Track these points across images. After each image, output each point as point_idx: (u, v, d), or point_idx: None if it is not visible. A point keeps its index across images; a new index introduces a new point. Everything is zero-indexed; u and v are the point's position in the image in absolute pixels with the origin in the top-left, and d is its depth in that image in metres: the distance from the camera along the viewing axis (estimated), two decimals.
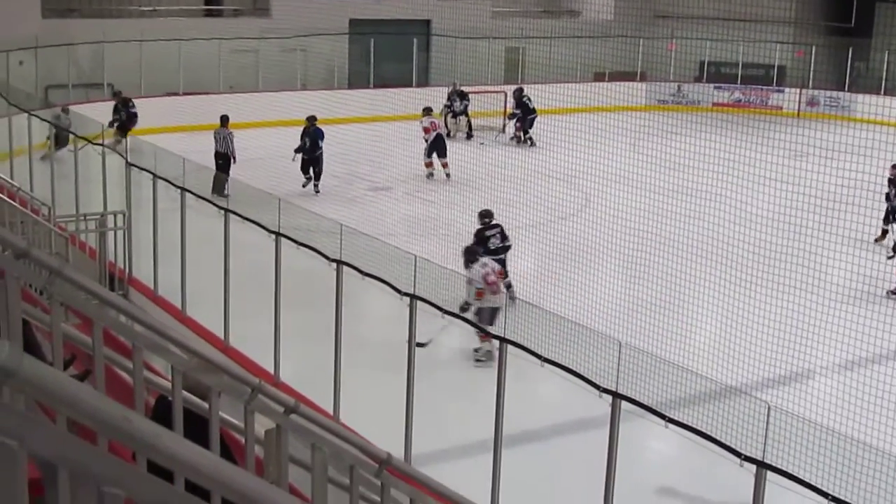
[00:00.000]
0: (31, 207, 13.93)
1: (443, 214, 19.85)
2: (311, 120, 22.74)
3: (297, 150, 22.38)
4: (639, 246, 16.79)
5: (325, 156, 22.61)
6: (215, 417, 4.38)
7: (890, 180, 18.89)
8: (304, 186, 22.09)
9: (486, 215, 15.51)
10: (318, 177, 22.46)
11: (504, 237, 15.25)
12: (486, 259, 13.55)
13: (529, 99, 28.87)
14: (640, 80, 36.03)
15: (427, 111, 25.06)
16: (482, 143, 26.70)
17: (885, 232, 18.69)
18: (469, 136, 29.51)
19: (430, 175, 24.38)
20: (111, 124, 23.77)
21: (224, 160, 21.56)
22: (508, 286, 14.39)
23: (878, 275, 15.97)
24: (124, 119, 25.02)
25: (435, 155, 24.37)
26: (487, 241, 15.01)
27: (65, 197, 16.65)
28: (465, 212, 18.31)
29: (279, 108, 27.20)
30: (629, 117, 25.51)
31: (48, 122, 19.59)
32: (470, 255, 13.59)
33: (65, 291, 4.19)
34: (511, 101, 29.59)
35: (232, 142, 21.97)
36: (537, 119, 28.67)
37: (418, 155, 24.59)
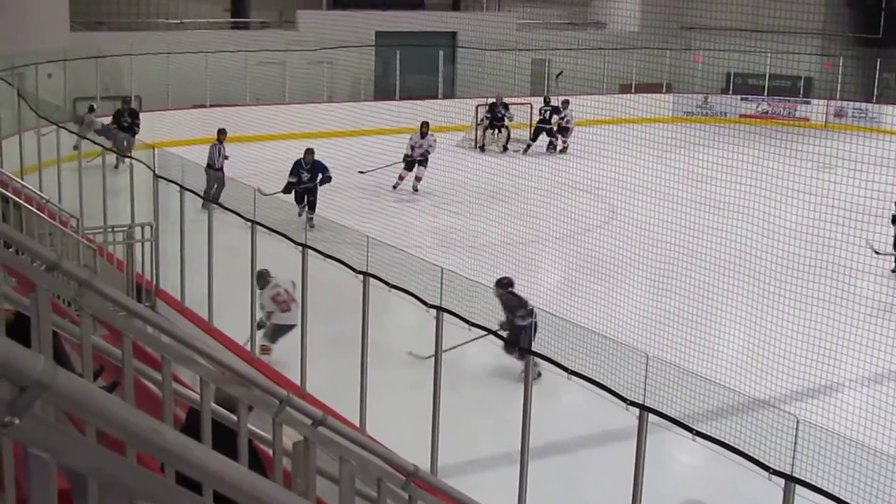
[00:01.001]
0: (59, 219, 14.02)
1: (469, 226, 19.86)
2: (310, 153, 21.23)
3: (287, 190, 20.45)
4: (665, 258, 16.74)
5: (352, 171, 22.48)
6: (244, 430, 4.39)
7: None
8: (299, 216, 19.74)
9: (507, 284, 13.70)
10: (312, 208, 20.22)
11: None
12: (276, 280, 13.62)
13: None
14: (667, 92, 35.99)
15: (424, 127, 24.45)
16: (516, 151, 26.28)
17: None
18: (504, 149, 29.53)
19: (395, 187, 24.00)
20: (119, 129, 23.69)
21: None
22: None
23: None
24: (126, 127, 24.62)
25: (415, 168, 24.00)
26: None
27: (93, 209, 16.76)
28: (491, 223, 18.35)
29: (305, 120, 27.30)
30: (656, 129, 25.50)
31: (73, 132, 19.63)
32: (261, 279, 13.62)
33: (93, 303, 4.21)
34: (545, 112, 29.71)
35: (220, 155, 21.83)
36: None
37: (444, 166, 24.63)
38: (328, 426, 4.58)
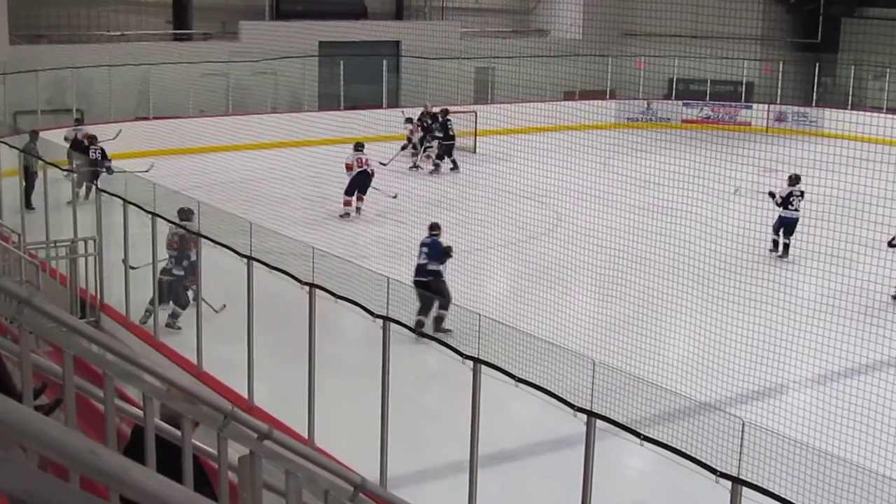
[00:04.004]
0: (0, 235, 13.87)
1: (415, 235, 19.84)
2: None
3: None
4: (611, 264, 16.83)
5: (298, 181, 22.34)
6: (188, 445, 4.35)
7: None
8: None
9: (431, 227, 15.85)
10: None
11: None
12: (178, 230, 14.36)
13: (450, 123, 28.47)
14: (610, 98, 36.17)
15: (358, 147, 23.49)
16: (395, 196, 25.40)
17: None
18: (436, 168, 29.23)
19: (346, 215, 22.75)
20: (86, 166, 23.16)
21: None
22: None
23: (847, 289, 16.05)
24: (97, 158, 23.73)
25: (357, 193, 22.99)
26: None
27: (35, 224, 16.57)
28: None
29: (249, 131, 27.19)
30: (599, 135, 25.64)
31: (18, 149, 19.45)
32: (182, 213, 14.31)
33: (34, 320, 4.16)
34: (418, 122, 28.99)
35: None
36: (455, 146, 28.50)
37: (388, 177, 24.63)
38: (274, 439, 4.55)
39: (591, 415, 7.88)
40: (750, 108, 36.48)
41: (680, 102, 36.82)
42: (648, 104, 36.76)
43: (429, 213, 20.92)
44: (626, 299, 16.13)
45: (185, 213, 14.01)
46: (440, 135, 28.43)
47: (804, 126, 35.14)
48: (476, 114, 30.47)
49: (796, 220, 19.56)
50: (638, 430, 7.72)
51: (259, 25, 33.59)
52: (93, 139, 23.79)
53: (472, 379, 8.85)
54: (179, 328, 14.54)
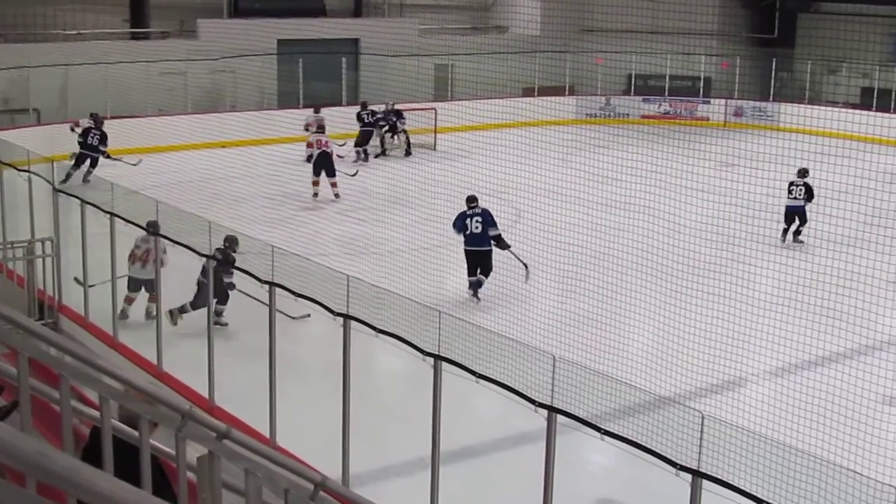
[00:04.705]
0: None
1: (375, 233, 19.84)
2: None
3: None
4: (571, 259, 16.87)
5: (258, 180, 22.33)
6: (146, 446, 4.33)
7: None
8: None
9: (471, 200, 16.83)
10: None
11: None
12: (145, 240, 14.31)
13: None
14: (569, 95, 36.26)
15: (320, 129, 25.20)
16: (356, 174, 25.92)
17: None
18: (408, 153, 29.48)
19: (315, 195, 23.79)
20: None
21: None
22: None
23: (804, 281, 16.18)
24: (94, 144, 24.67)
25: (323, 174, 23.80)
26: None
27: None
28: (396, 229, 18.33)
29: (209, 130, 27.05)
30: (559, 131, 25.71)
31: None
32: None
33: None
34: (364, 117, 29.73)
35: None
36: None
37: (349, 175, 24.61)
38: (233, 439, 4.54)
39: (552, 410, 7.91)
40: (708, 103, 36.68)
41: (639, 98, 36.97)
42: (607, 100, 36.88)
43: (388, 211, 20.94)
44: (586, 294, 16.17)
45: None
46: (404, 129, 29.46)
47: (762, 120, 35.41)
48: (435, 111, 30.48)
49: (793, 207, 20.38)
50: (599, 425, 7.74)
51: (217, 24, 33.42)
52: (99, 124, 25.07)
53: (433, 376, 8.85)
54: (226, 324, 14.38)
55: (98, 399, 4.49)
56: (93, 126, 24.73)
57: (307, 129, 25.43)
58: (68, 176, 20.65)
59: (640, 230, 17.93)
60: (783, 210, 20.47)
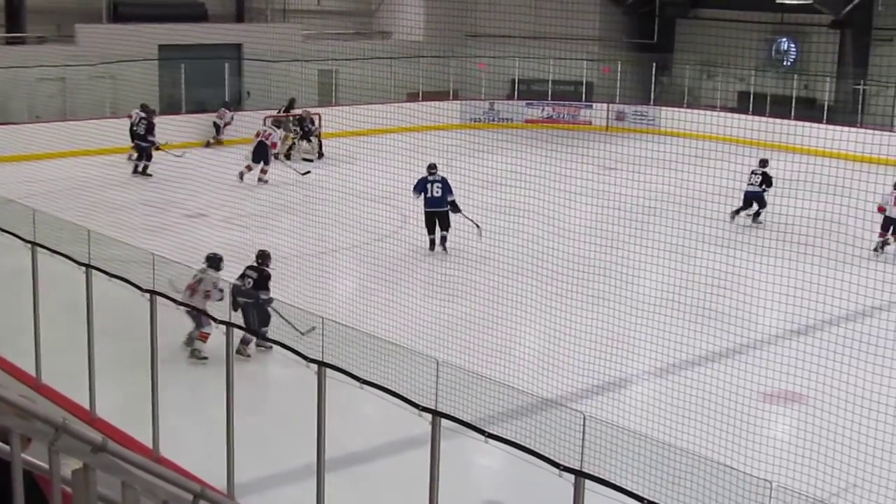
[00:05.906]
0: None
1: (260, 239, 19.67)
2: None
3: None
4: (456, 263, 16.97)
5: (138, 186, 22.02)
6: (17, 461, 4.24)
7: None
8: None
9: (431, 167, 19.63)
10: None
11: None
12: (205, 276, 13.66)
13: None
14: (453, 99, 36.39)
15: (276, 123, 27.77)
16: (307, 173, 26.31)
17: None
18: (320, 155, 29.58)
19: (241, 176, 25.47)
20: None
21: None
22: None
23: (685, 283, 16.49)
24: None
25: (260, 162, 25.58)
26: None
27: None
28: (282, 235, 18.21)
29: (88, 136, 26.57)
30: (443, 136, 25.76)
31: None
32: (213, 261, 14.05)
33: None
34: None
35: None
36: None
37: (232, 180, 24.44)
38: (109, 451, 4.46)
39: (436, 414, 7.94)
40: (590, 107, 37.13)
41: (522, 102, 37.23)
42: (491, 105, 37.09)
43: (272, 218, 20.81)
44: (470, 298, 16.28)
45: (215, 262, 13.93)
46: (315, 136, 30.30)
47: (643, 124, 35.98)
48: (320, 116, 30.36)
49: (751, 193, 22.26)
50: (483, 428, 7.80)
51: (96, 29, 32.77)
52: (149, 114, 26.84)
53: (316, 382, 8.83)
54: (270, 347, 13.70)
55: None
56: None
57: (255, 137, 26.32)
58: None
59: (523, 233, 18.08)
60: (741, 196, 22.16)
